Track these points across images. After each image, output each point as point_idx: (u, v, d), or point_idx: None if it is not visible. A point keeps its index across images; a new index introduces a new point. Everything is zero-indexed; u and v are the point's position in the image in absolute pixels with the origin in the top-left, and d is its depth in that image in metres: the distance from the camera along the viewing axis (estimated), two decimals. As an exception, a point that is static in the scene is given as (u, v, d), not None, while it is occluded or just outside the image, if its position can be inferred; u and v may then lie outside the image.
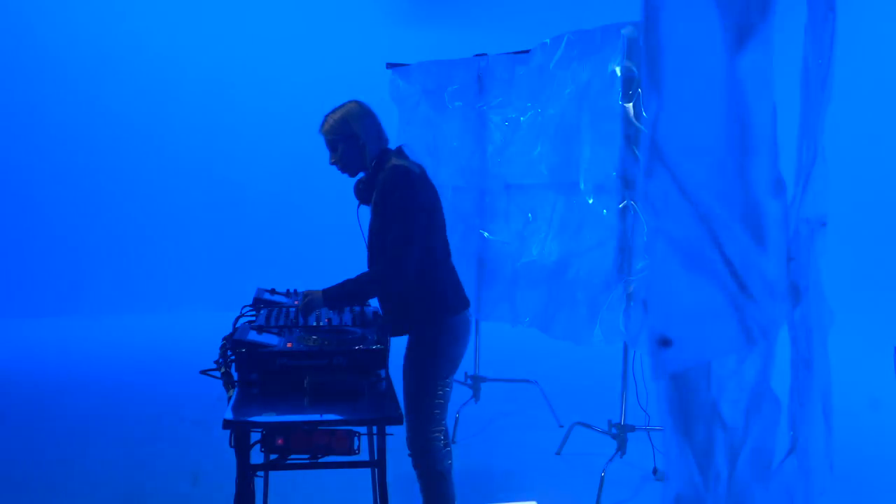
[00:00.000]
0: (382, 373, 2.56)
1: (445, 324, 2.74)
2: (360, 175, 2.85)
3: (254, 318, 2.92)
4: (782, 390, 1.50)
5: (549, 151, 3.99)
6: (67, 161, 7.36)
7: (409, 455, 2.78)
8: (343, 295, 2.72)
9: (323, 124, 2.80)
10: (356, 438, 2.25)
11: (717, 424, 1.24)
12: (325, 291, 2.71)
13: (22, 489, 3.70)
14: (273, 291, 3.29)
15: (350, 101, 2.84)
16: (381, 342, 2.59)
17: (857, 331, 4.93)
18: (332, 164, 2.83)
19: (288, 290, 3.33)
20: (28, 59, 7.22)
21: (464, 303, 2.83)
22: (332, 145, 2.80)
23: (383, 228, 2.69)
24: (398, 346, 2.79)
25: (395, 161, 2.75)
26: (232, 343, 2.49)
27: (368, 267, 2.80)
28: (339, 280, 2.75)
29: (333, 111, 2.81)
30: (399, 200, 2.66)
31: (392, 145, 2.86)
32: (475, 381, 4.66)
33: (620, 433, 3.78)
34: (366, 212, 2.87)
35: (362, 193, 2.84)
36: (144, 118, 7.45)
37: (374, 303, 3.10)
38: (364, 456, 2.54)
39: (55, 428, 4.53)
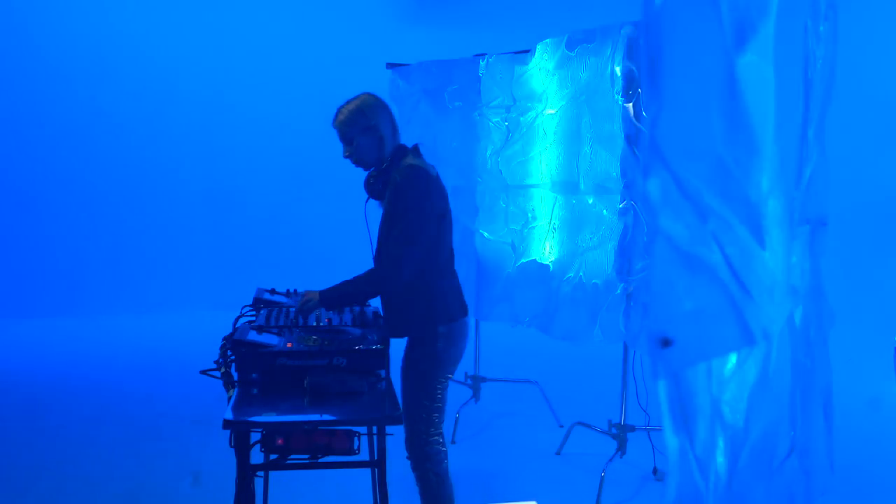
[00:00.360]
0: (382, 373, 2.56)
1: (443, 329, 2.72)
2: (371, 169, 2.80)
3: (254, 318, 2.91)
4: (783, 390, 1.50)
5: (548, 151, 3.99)
6: (67, 161, 7.36)
7: (408, 458, 2.76)
8: (340, 296, 2.69)
9: (337, 116, 2.74)
10: (356, 438, 2.25)
11: (717, 424, 1.24)
12: (322, 292, 2.69)
13: (22, 489, 3.70)
14: (273, 291, 3.29)
15: (364, 94, 2.78)
16: (381, 342, 2.59)
17: (857, 331, 4.93)
18: (346, 157, 2.77)
19: (288, 290, 3.33)
20: (28, 59, 7.21)
21: (463, 310, 2.80)
22: (346, 138, 2.73)
23: (389, 228, 2.66)
24: (398, 346, 2.79)
25: (411, 160, 2.71)
26: (232, 343, 2.49)
27: (374, 263, 2.78)
28: (340, 280, 2.74)
29: (348, 102, 2.75)
30: (410, 202, 2.62)
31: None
32: (475, 381, 4.66)
33: (620, 433, 3.78)
34: (373, 206, 2.85)
35: (373, 188, 2.78)
36: (144, 118, 7.45)
37: (374, 303, 3.10)
38: (364, 456, 2.54)
39: (55, 428, 4.53)
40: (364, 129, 2.71)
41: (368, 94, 2.79)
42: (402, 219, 2.62)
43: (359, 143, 2.72)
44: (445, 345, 2.72)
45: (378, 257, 2.75)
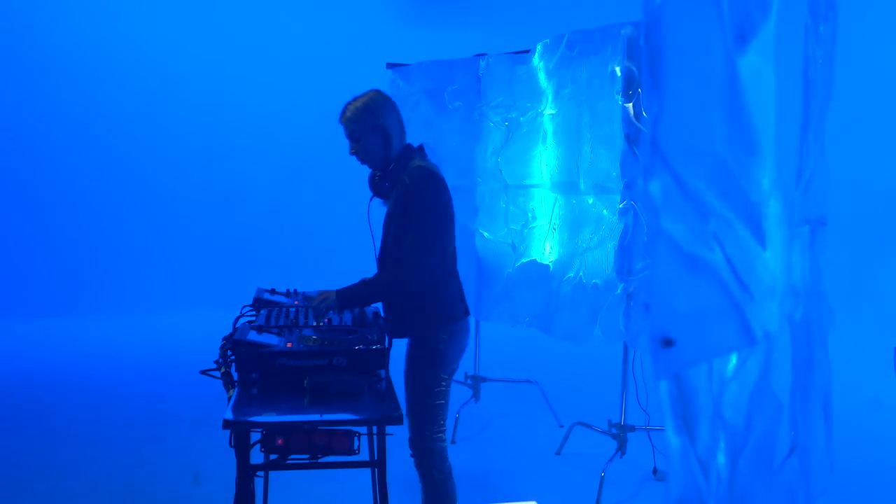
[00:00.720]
0: (382, 373, 2.56)
1: (446, 329, 2.73)
2: (375, 168, 2.78)
3: (254, 318, 2.91)
4: (783, 390, 1.50)
5: (548, 151, 3.99)
6: (67, 161, 7.36)
7: (412, 456, 2.77)
8: (357, 297, 2.68)
9: (344, 112, 2.71)
10: (356, 438, 2.25)
11: (718, 424, 1.24)
12: (339, 292, 2.68)
13: (22, 489, 3.70)
14: (273, 291, 3.28)
15: (372, 90, 2.74)
16: (381, 342, 2.59)
17: (857, 331, 4.93)
18: (352, 154, 2.75)
19: (288, 290, 3.32)
20: (28, 59, 7.22)
21: (464, 311, 2.81)
22: (354, 136, 2.71)
23: (402, 230, 2.65)
24: (398, 346, 2.79)
25: (419, 161, 2.70)
26: (232, 343, 2.49)
27: (378, 263, 2.77)
28: (341, 280, 2.74)
29: (355, 99, 2.72)
30: (423, 204, 2.62)
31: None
32: (475, 381, 4.66)
33: (620, 433, 3.78)
34: (377, 204, 2.84)
35: (379, 187, 2.76)
36: (144, 118, 7.45)
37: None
38: (364, 456, 2.54)
39: (55, 428, 4.53)
40: (372, 128, 2.69)
41: (377, 91, 2.76)
42: (417, 221, 2.61)
43: (366, 142, 2.70)
44: (447, 343, 2.73)
45: (384, 257, 2.75)
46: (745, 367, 1.28)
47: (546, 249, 4.07)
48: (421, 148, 2.80)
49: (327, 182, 7.24)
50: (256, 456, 2.28)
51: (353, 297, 2.68)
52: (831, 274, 1.91)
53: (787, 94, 1.54)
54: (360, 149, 2.72)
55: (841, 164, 2.68)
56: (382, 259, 2.77)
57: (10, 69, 7.18)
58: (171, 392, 5.15)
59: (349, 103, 2.73)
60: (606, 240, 3.61)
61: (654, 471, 3.88)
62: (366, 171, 2.84)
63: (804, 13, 1.58)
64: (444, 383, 2.75)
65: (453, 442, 4.27)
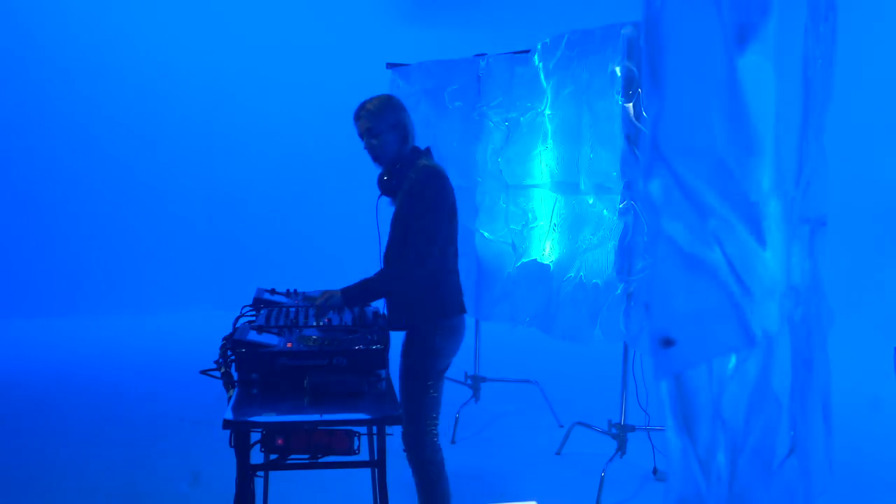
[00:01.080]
0: (382, 373, 2.56)
1: (442, 324, 2.78)
2: (382, 167, 2.86)
3: (254, 318, 2.91)
4: (783, 390, 1.50)
5: (548, 151, 3.99)
6: (67, 161, 7.36)
7: (405, 451, 2.82)
8: (362, 293, 2.74)
9: (364, 107, 2.78)
10: (356, 438, 2.25)
11: (718, 424, 1.24)
12: (343, 291, 2.74)
13: (22, 489, 3.70)
14: (273, 291, 3.28)
15: (385, 94, 2.86)
16: (381, 342, 2.59)
17: (857, 331, 4.93)
18: (367, 149, 2.82)
19: (288, 290, 3.32)
20: (28, 59, 7.21)
21: (461, 308, 2.87)
22: (374, 131, 2.78)
23: (407, 226, 2.72)
24: (397, 346, 2.80)
25: (425, 161, 2.79)
26: (232, 343, 2.49)
27: (384, 260, 2.82)
28: (342, 279, 2.76)
29: (372, 99, 2.81)
30: (428, 201, 2.70)
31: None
32: (475, 381, 4.66)
33: (620, 433, 3.78)
34: (384, 204, 2.90)
35: (387, 185, 2.84)
36: (144, 118, 7.45)
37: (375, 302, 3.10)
38: (364, 456, 2.54)
39: (55, 428, 4.53)
40: (393, 125, 2.78)
41: (390, 95, 2.87)
42: (422, 217, 2.69)
43: (385, 138, 2.78)
44: (442, 339, 2.78)
45: (389, 254, 2.81)
46: (745, 367, 1.29)
47: (546, 249, 4.07)
48: (428, 150, 2.88)
49: (327, 182, 7.25)
50: (256, 456, 2.28)
51: (357, 294, 2.74)
52: (831, 274, 1.91)
53: (787, 94, 1.54)
54: (377, 144, 2.79)
55: (841, 164, 2.68)
56: (388, 256, 2.83)
57: (10, 69, 7.18)
58: (171, 392, 5.15)
59: (369, 100, 2.81)
60: (606, 240, 3.61)
61: (654, 471, 3.88)
62: (370, 169, 2.91)
63: (804, 13, 1.58)
64: (437, 376, 2.80)
65: (453, 442, 4.27)
